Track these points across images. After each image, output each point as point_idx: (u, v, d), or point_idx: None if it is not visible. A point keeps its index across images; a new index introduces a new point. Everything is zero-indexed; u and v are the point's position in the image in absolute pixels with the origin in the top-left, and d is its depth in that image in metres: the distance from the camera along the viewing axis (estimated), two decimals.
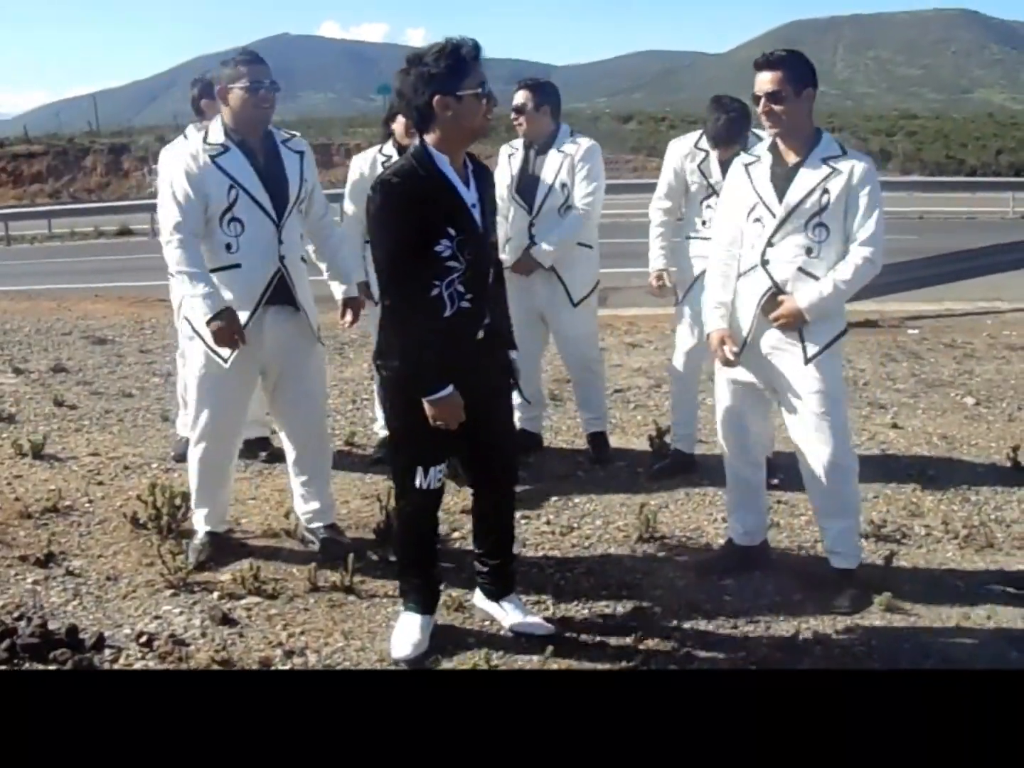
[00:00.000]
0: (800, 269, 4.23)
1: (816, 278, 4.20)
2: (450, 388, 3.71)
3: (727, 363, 4.38)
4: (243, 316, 4.54)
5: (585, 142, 5.94)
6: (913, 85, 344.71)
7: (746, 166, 4.40)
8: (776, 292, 4.26)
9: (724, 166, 5.51)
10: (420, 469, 3.88)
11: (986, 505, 5.44)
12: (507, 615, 4.18)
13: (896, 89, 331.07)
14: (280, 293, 4.62)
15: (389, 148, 6.00)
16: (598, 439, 6.31)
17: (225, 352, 4.55)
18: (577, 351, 6.18)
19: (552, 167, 5.84)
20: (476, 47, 3.63)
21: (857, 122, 50.07)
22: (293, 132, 4.89)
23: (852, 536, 4.45)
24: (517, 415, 6.39)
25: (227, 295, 4.54)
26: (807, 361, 4.25)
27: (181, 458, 5.71)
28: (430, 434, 3.79)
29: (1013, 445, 6.07)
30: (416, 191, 3.63)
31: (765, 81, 4.15)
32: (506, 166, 6.02)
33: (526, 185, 5.91)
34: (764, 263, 4.29)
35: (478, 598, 4.30)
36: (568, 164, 5.83)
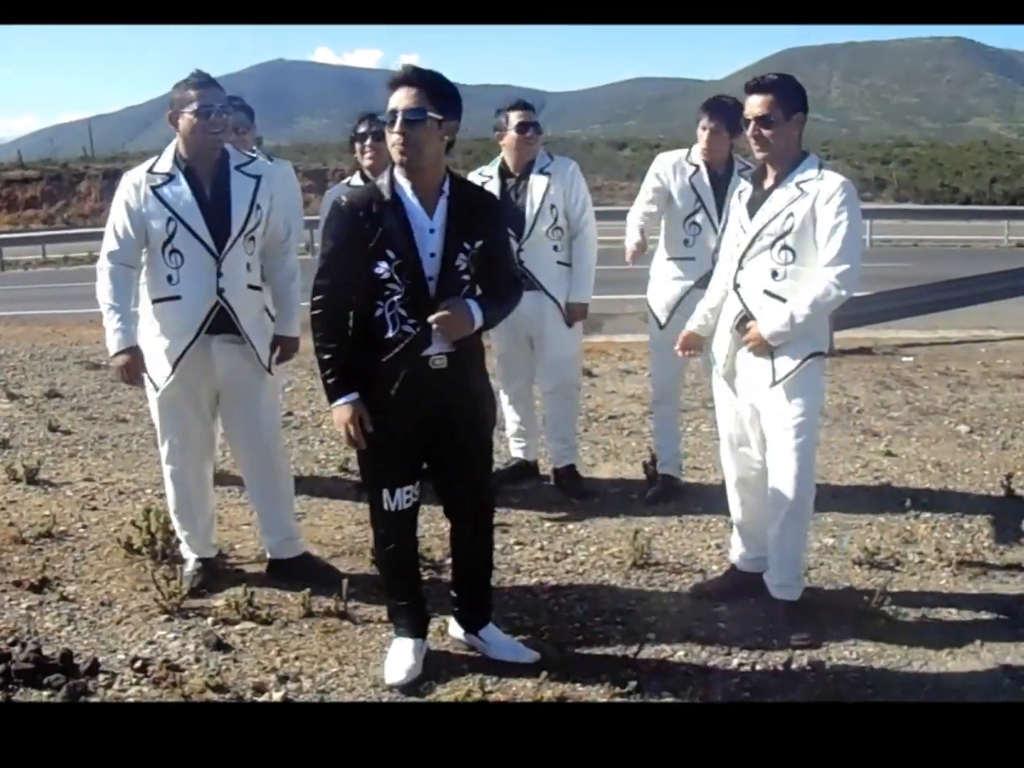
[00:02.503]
0: (766, 292, 4.24)
1: (783, 300, 4.19)
2: (351, 396, 3.76)
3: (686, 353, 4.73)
4: (183, 344, 4.51)
5: (569, 163, 5.91)
6: (908, 113, 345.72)
7: (739, 192, 4.45)
8: (746, 316, 4.30)
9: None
10: (386, 491, 3.91)
11: (979, 533, 5.45)
12: (488, 646, 4.14)
13: (891, 117, 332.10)
14: (222, 324, 4.54)
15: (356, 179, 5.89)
16: (570, 472, 6.15)
17: (159, 380, 4.56)
18: (559, 375, 6.02)
19: (539, 191, 5.77)
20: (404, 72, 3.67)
21: (852, 150, 50.24)
22: (252, 155, 4.78)
23: (795, 567, 4.44)
24: (513, 444, 6.36)
25: (169, 325, 4.53)
26: (773, 383, 4.25)
27: None
28: (390, 456, 3.85)
29: (1006, 473, 6.10)
30: (356, 214, 3.71)
31: (755, 105, 4.17)
32: None
33: (511, 213, 5.70)
34: (736, 287, 4.35)
35: (453, 628, 4.28)
36: (557, 186, 5.77)
